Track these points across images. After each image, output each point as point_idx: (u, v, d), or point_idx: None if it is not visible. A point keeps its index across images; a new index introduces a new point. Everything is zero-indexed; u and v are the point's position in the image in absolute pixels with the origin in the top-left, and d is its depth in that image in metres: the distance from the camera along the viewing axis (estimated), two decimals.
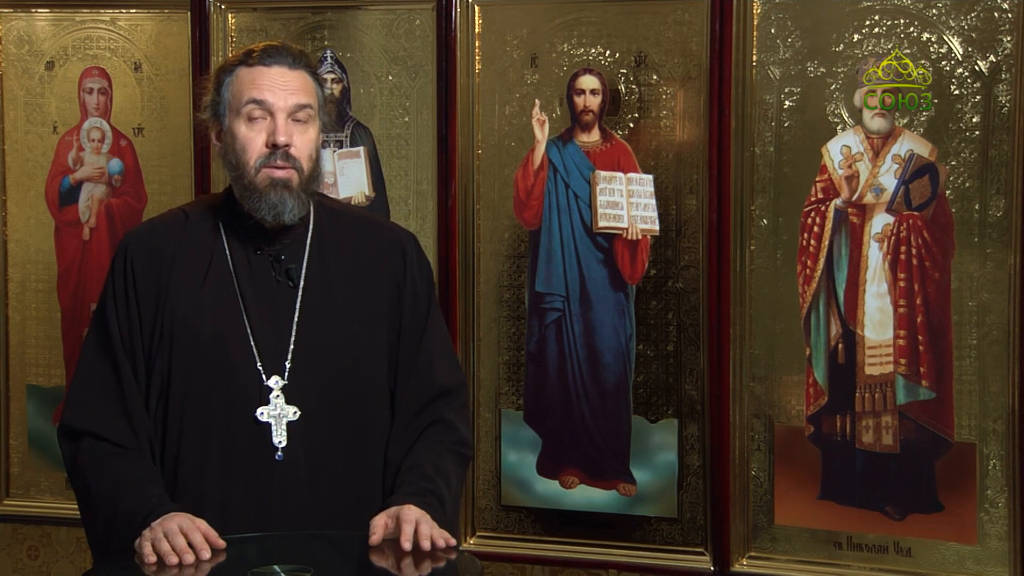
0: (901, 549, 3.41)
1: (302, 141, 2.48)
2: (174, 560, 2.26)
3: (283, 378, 2.48)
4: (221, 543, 2.31)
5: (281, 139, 2.45)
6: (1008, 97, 3.25)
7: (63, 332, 4.10)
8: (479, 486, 3.76)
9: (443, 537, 2.33)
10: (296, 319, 2.51)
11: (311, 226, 2.58)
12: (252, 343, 2.48)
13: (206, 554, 2.28)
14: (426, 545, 2.29)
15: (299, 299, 2.52)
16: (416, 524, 2.32)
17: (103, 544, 2.46)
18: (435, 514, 2.39)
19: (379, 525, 2.34)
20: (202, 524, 2.33)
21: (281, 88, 2.47)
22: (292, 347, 2.50)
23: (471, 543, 3.76)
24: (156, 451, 2.50)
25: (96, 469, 2.46)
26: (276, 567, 2.18)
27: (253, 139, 2.47)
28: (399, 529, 2.33)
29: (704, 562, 3.58)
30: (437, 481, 2.48)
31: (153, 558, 2.27)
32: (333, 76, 3.79)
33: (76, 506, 2.54)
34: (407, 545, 2.29)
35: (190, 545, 2.28)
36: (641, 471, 3.63)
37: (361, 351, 2.54)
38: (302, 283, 2.53)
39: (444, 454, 2.55)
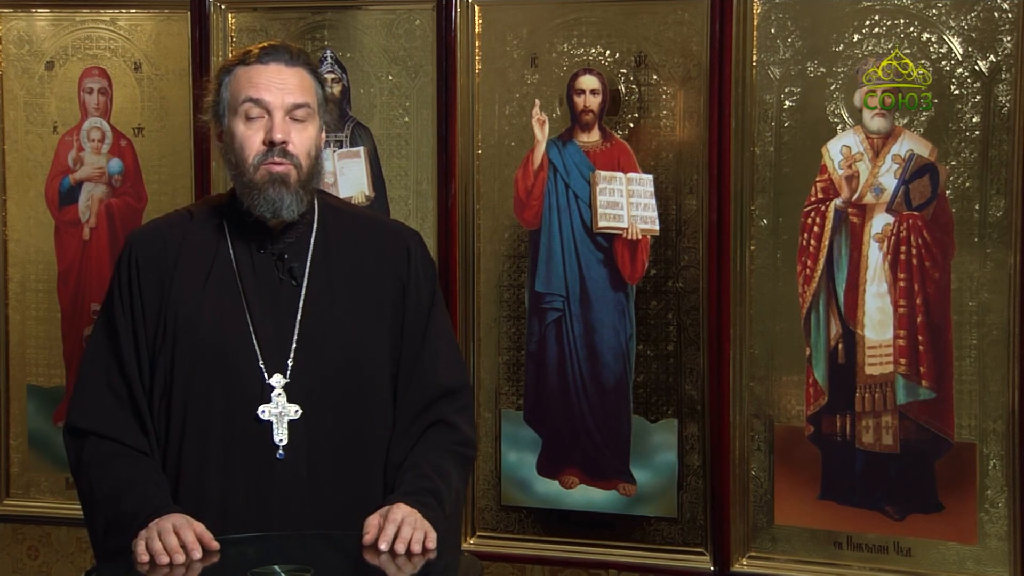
0: (901, 549, 3.41)
1: (300, 139, 2.48)
2: (165, 560, 2.26)
3: (285, 376, 2.48)
4: (215, 544, 2.31)
5: (277, 136, 2.45)
6: (1008, 97, 3.25)
7: (63, 332, 4.09)
8: (479, 486, 3.76)
9: (420, 541, 2.31)
10: (299, 318, 2.51)
11: (315, 225, 2.58)
12: (254, 342, 2.48)
13: (197, 554, 2.28)
14: (400, 548, 2.28)
15: (302, 298, 2.52)
16: (399, 525, 2.32)
17: (102, 544, 2.46)
18: (432, 513, 2.39)
19: (372, 525, 2.34)
20: (198, 525, 2.33)
21: (278, 87, 2.47)
22: (295, 345, 2.50)
23: (471, 543, 3.75)
24: (159, 449, 2.50)
25: (100, 469, 2.46)
26: (276, 567, 2.18)
27: (251, 137, 2.47)
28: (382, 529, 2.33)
29: (704, 562, 3.58)
30: (435, 480, 2.48)
31: (146, 557, 2.28)
32: (333, 76, 3.79)
33: (76, 506, 2.55)
34: (384, 547, 2.28)
35: (182, 545, 2.28)
36: (641, 471, 3.63)
37: (363, 350, 2.54)
38: (305, 282, 2.53)
39: (444, 454, 2.55)
